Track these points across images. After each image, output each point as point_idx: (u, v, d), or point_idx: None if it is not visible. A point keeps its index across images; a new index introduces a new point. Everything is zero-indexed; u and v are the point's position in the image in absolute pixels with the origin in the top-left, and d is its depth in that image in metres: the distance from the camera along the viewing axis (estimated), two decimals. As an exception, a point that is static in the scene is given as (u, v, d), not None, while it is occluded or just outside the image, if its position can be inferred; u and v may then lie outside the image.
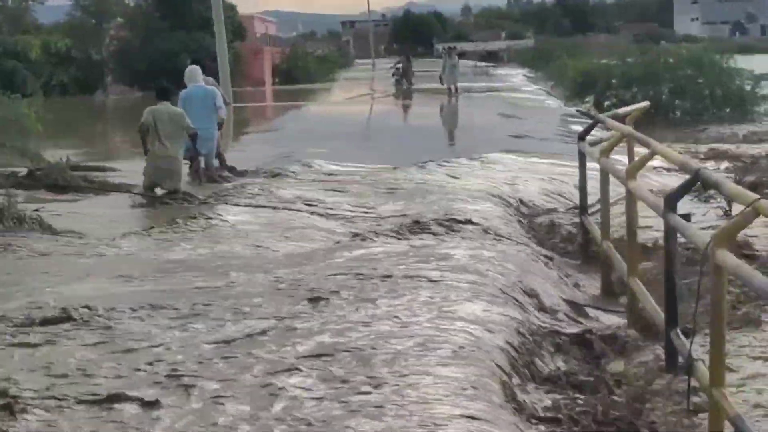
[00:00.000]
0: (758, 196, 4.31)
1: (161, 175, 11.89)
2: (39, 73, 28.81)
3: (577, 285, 8.83)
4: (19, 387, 4.76)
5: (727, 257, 4.45)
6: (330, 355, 5.26)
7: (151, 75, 28.06)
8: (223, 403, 4.59)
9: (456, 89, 34.27)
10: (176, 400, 4.65)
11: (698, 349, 5.15)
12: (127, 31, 48.59)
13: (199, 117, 13.13)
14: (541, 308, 7.49)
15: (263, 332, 5.75)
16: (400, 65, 40.46)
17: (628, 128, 8.68)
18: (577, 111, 30.76)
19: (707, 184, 5.46)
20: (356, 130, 22.90)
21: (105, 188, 13.00)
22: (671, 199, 5.61)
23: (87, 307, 6.23)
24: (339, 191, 13.06)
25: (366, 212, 11.56)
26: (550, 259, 9.49)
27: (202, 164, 13.85)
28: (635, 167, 7.17)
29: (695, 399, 5.24)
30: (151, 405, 4.56)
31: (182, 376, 4.96)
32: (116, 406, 4.55)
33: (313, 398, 4.64)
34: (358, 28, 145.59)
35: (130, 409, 4.54)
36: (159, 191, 12.05)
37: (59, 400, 4.64)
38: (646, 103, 11.30)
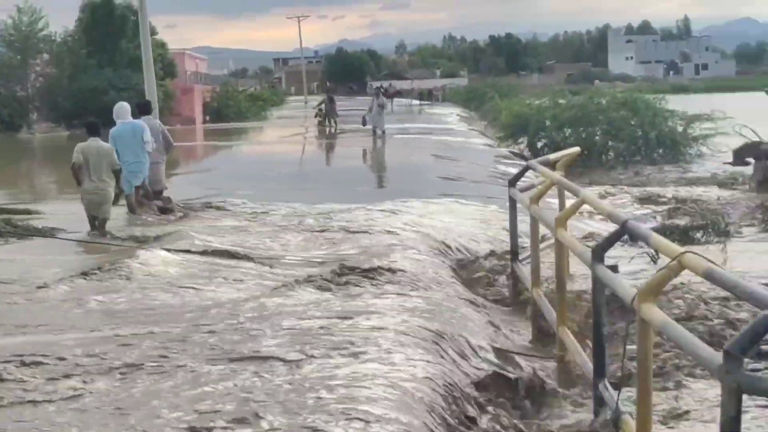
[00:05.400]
0: (684, 250, 4.31)
1: (94, 207, 12.64)
2: (-39, 111, 28.32)
3: (507, 332, 8.75)
4: None
5: (653, 312, 4.42)
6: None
7: (77, 113, 27.65)
8: None
9: (383, 132, 33.56)
10: None
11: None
12: (54, 68, 47.92)
13: (130, 152, 14.08)
14: (470, 356, 7.39)
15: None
16: (322, 106, 39.15)
17: (557, 176, 8.68)
18: (510, 152, 31.16)
19: (634, 236, 5.45)
20: (286, 171, 22.77)
21: (28, 233, 12.67)
22: (598, 250, 5.60)
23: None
24: (262, 234, 12.80)
25: (288, 256, 11.26)
26: (481, 305, 9.41)
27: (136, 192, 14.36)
28: (564, 216, 7.16)
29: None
30: None
31: None
32: None
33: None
34: (291, 65, 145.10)
35: None
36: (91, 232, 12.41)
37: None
38: (576, 149, 11.37)
